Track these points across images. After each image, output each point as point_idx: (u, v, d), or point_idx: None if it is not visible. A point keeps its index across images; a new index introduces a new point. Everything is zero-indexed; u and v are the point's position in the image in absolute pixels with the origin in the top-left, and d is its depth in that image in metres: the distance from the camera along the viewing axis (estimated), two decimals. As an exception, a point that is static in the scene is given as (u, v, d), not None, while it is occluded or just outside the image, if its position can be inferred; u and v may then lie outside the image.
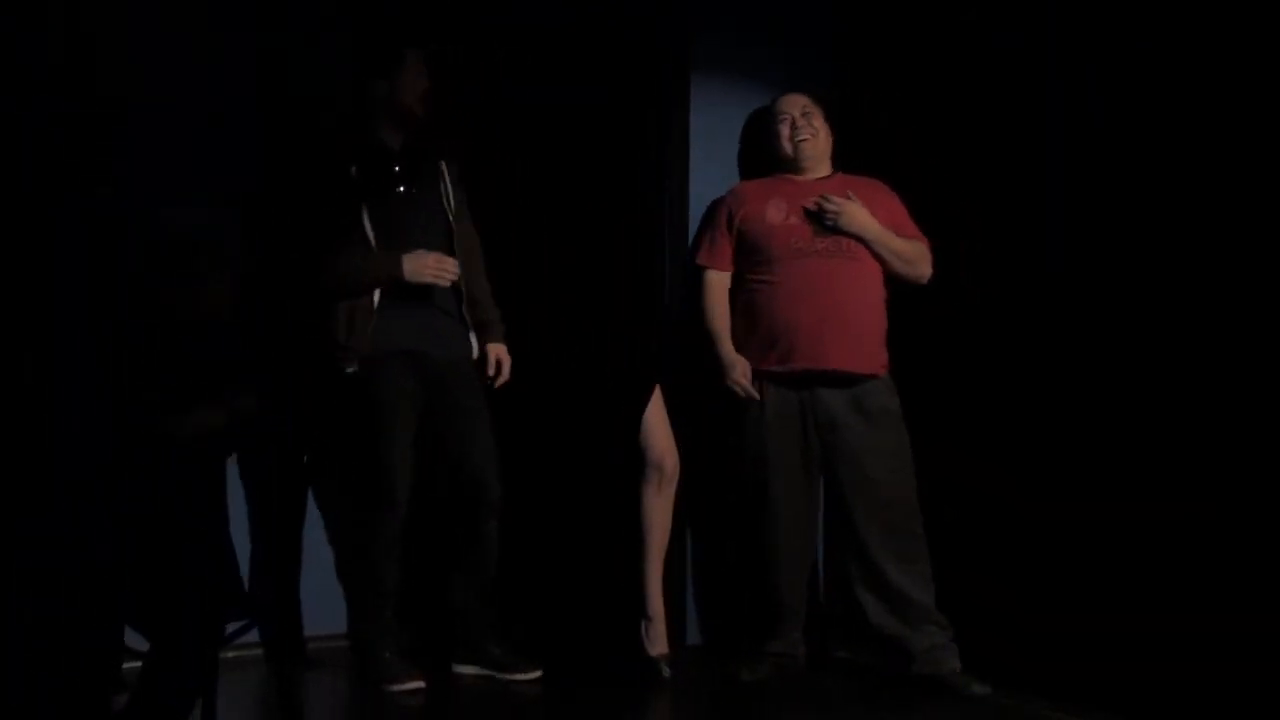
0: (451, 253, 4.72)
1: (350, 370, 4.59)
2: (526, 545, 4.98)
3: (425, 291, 4.65)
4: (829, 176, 4.93)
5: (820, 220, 4.79)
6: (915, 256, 4.84)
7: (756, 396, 4.83)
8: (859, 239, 4.78)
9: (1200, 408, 4.42)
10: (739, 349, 4.87)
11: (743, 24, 5.37)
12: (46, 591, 3.32)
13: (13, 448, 3.41)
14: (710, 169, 5.26)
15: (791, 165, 4.93)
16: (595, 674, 4.80)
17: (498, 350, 4.81)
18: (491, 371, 4.80)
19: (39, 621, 3.31)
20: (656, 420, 4.92)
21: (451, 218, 4.78)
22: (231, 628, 3.67)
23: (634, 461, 4.89)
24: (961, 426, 4.92)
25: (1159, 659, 4.36)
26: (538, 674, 4.75)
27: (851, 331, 4.72)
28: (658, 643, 4.88)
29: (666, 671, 4.83)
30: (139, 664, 3.43)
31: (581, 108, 5.19)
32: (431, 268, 4.60)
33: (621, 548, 4.94)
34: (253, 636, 3.81)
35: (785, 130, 4.92)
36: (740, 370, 4.84)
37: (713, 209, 5.06)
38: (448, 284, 4.64)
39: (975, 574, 4.86)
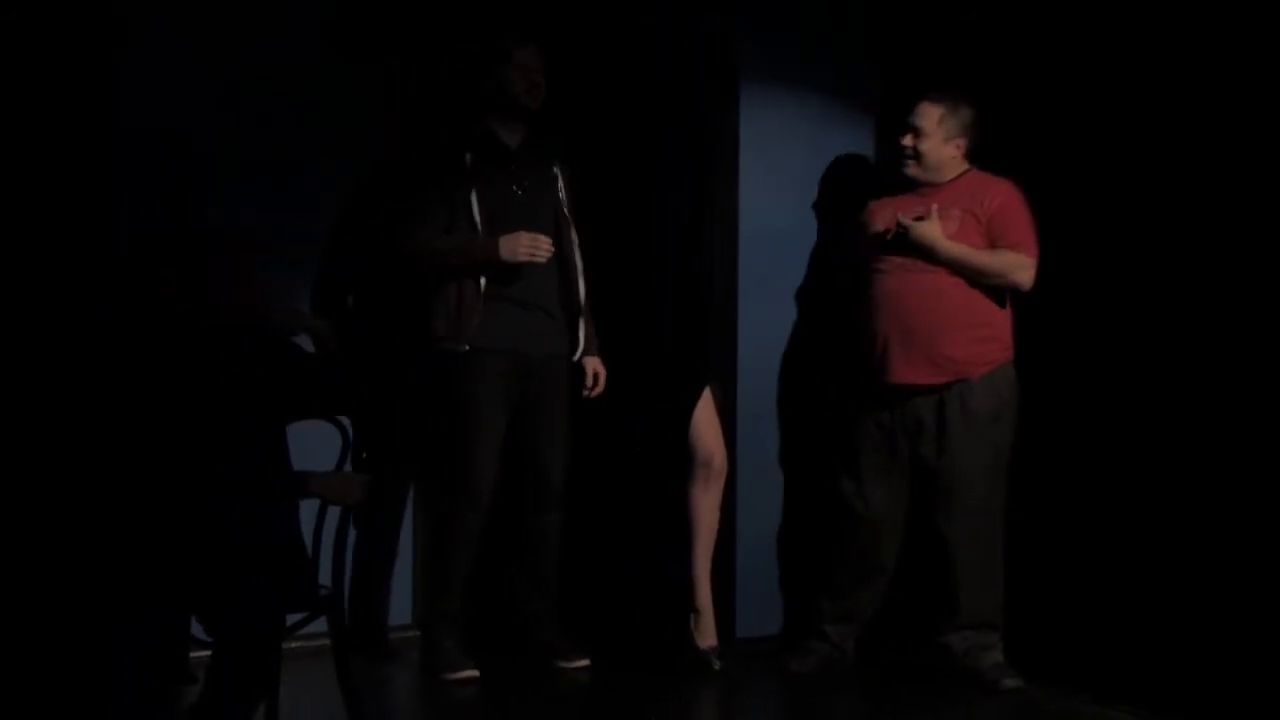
0: (562, 255, 4.83)
1: (463, 349, 4.71)
2: (580, 539, 5.09)
3: (527, 289, 4.76)
4: (959, 177, 4.88)
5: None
6: (1000, 269, 4.77)
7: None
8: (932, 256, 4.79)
9: (1236, 408, 4.51)
10: (851, 357, 4.95)
11: (792, 30, 5.43)
12: (109, 580, 3.45)
13: (70, 441, 3.52)
14: (759, 173, 5.36)
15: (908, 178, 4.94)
16: (647, 665, 4.89)
17: (595, 363, 4.93)
18: (590, 384, 4.92)
19: (103, 611, 3.45)
20: (705, 419, 5.02)
21: (569, 219, 4.88)
22: (294, 618, 3.79)
23: (682, 459, 4.98)
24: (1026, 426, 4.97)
25: (1202, 656, 4.47)
26: (586, 662, 4.88)
27: (915, 344, 4.75)
28: (707, 635, 4.97)
29: (717, 664, 4.92)
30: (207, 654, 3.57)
31: (632, 112, 5.26)
32: (525, 246, 4.68)
33: (671, 543, 5.03)
34: (318, 627, 3.88)
35: (905, 140, 4.90)
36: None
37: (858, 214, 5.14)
38: (543, 260, 4.71)
39: (1021, 569, 4.91)
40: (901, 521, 4.91)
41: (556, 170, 4.92)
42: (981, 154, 4.95)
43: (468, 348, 4.72)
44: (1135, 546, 4.77)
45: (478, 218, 4.74)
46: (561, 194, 4.91)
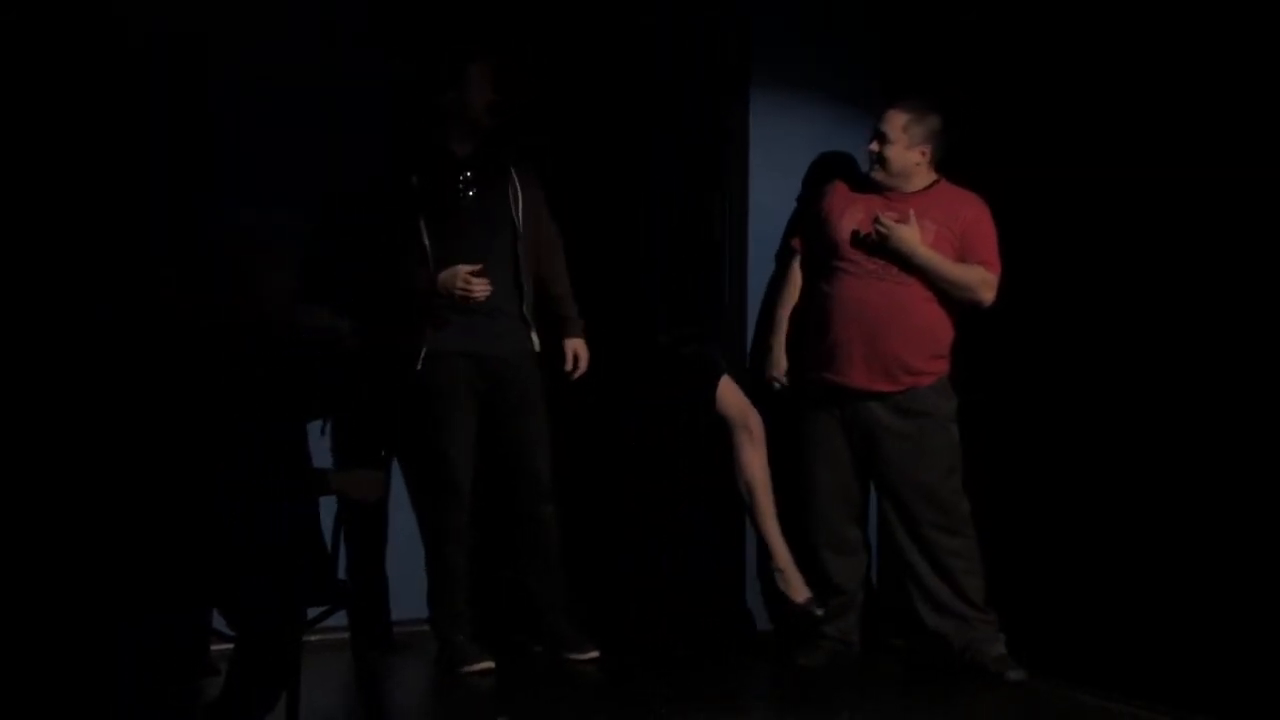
0: (517, 259, 4.91)
1: (418, 368, 4.80)
2: (582, 535, 5.18)
3: (489, 297, 4.81)
4: (929, 188, 4.94)
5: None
6: (969, 283, 4.86)
7: (784, 383, 5.09)
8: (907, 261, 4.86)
9: (1239, 405, 4.55)
10: (803, 350, 5.04)
11: (802, 33, 5.52)
12: (109, 580, 3.49)
13: (70, 441, 3.55)
14: (768, 176, 5.46)
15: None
16: (648, 657, 4.99)
17: (575, 345, 5.02)
18: (570, 365, 5.01)
19: (103, 611, 3.50)
20: (728, 388, 5.12)
21: (519, 225, 4.95)
22: (314, 612, 3.84)
23: (715, 434, 5.08)
24: (1010, 424, 5.08)
25: (1203, 648, 4.51)
26: (596, 654, 4.96)
27: (880, 354, 4.84)
28: (798, 589, 5.02)
29: (819, 611, 4.98)
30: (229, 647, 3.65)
31: (644, 112, 5.38)
32: (459, 288, 4.76)
33: (665, 538, 5.19)
34: (336, 620, 3.94)
35: (871, 146, 4.97)
36: (776, 367, 5.12)
37: (813, 196, 5.20)
38: (478, 300, 4.76)
39: (1022, 564, 5.02)
40: (858, 516, 5.02)
41: (510, 169, 4.97)
42: (981, 154, 5.02)
43: (428, 359, 4.81)
44: (1137, 540, 4.82)
45: (427, 244, 4.81)
46: (515, 192, 4.94)
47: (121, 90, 4.67)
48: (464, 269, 4.75)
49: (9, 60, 4.51)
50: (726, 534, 5.32)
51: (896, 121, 4.89)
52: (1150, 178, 4.74)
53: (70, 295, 4.24)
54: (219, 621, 3.76)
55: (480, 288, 4.77)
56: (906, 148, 4.89)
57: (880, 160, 4.91)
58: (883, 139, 4.90)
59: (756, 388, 5.26)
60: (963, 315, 4.94)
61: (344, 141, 5.08)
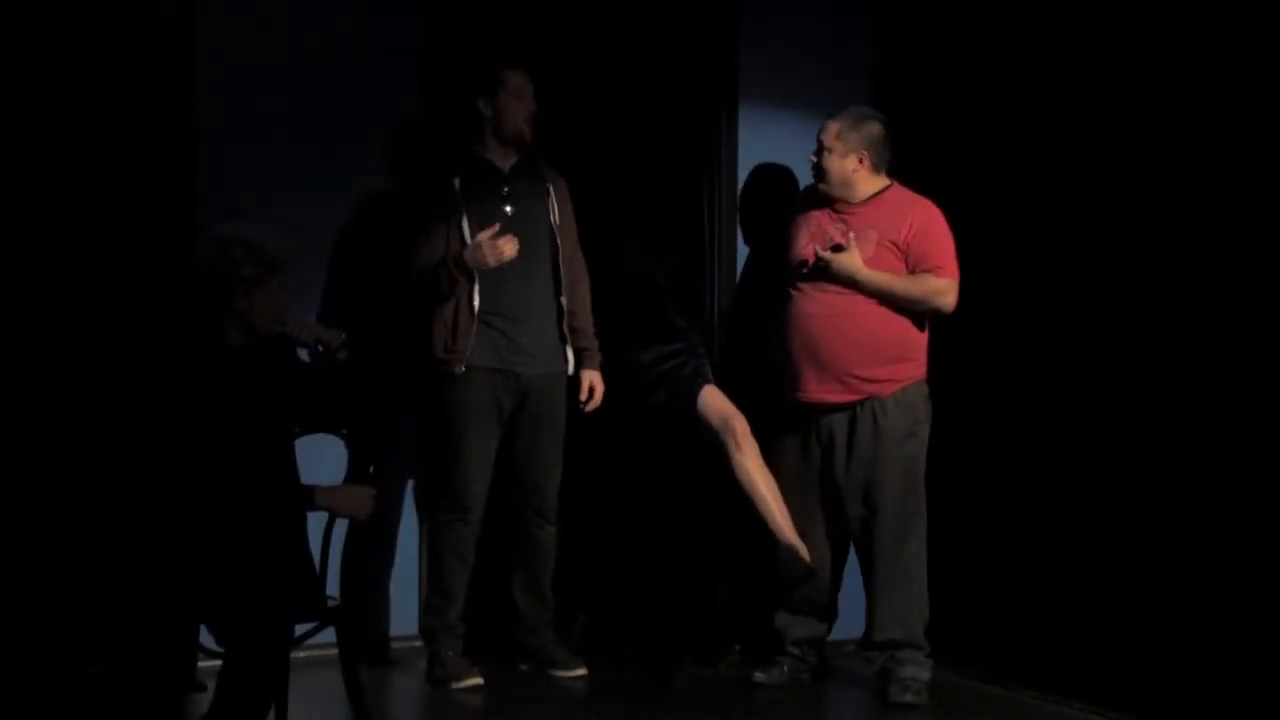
0: (557, 275, 4.91)
1: (459, 371, 4.79)
2: (582, 548, 5.20)
3: (523, 306, 4.84)
4: (877, 195, 4.89)
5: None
6: (920, 295, 4.82)
7: None
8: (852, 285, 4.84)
9: (1193, 409, 4.61)
10: (773, 370, 5.03)
11: (789, 44, 5.51)
12: (114, 588, 3.53)
13: (71, 449, 3.58)
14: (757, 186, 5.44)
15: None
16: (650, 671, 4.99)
17: (592, 376, 5.02)
18: (584, 396, 5.00)
19: (107, 618, 3.51)
20: (712, 397, 5.08)
21: (558, 239, 4.94)
22: (303, 629, 3.86)
23: (704, 448, 5.08)
24: (967, 426, 5.10)
25: (1161, 657, 4.57)
26: (582, 671, 4.97)
27: (827, 365, 4.82)
28: (804, 556, 4.93)
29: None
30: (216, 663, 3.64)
31: (633, 123, 5.38)
32: (488, 254, 4.70)
33: (670, 548, 5.22)
34: (326, 637, 3.96)
35: (811, 157, 4.96)
36: None
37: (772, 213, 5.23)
38: (511, 256, 4.71)
39: (1001, 573, 5.08)
40: (825, 537, 4.98)
41: (549, 186, 4.97)
42: (978, 157, 5.06)
43: (464, 368, 4.80)
44: (1111, 545, 4.85)
45: (469, 242, 4.79)
46: (554, 209, 4.96)
47: (120, 90, 4.68)
48: (484, 241, 4.70)
49: (9, 60, 4.52)
50: (721, 546, 5.30)
51: (831, 130, 4.88)
52: (1143, 181, 4.78)
53: (70, 299, 4.31)
54: (205, 639, 3.74)
55: (509, 248, 4.71)
56: (842, 156, 4.86)
57: (818, 170, 4.90)
58: (819, 148, 4.90)
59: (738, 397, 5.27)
60: (927, 317, 4.91)
61: (344, 144, 5.10)
